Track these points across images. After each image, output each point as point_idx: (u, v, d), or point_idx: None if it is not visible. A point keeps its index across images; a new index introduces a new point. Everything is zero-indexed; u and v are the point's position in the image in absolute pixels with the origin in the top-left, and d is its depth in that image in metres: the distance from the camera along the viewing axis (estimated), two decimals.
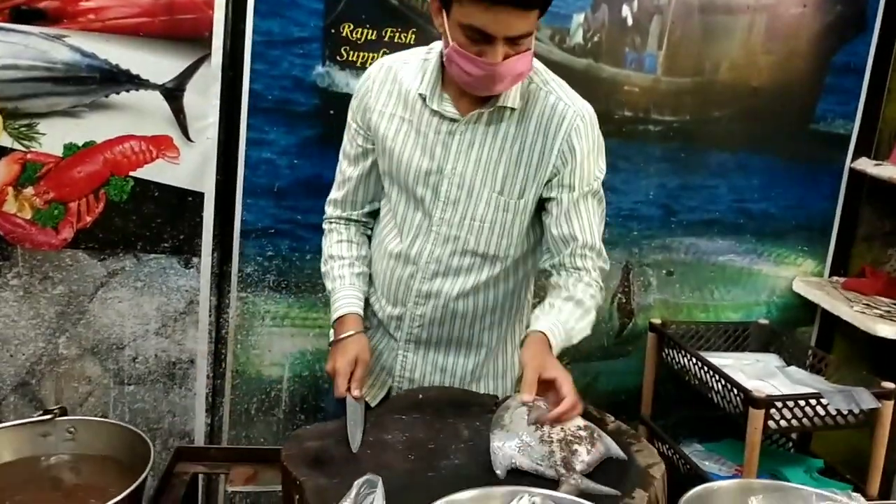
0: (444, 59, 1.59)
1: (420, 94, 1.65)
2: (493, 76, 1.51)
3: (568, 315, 1.61)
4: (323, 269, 1.82)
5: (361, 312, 1.75)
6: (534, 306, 1.74)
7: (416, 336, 1.80)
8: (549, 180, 1.66)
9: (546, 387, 1.47)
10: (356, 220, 1.83)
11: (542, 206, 1.71)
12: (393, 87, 1.69)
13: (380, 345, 1.85)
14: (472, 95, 1.61)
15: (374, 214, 1.84)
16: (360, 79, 1.76)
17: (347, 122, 1.78)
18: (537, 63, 1.66)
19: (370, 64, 1.77)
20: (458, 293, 1.75)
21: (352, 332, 1.70)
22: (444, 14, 1.52)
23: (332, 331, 1.76)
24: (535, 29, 1.51)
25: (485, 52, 1.48)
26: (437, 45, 1.67)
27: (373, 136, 1.73)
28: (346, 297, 1.75)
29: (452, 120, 1.64)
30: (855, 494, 1.35)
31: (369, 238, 1.86)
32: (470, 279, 1.74)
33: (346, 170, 1.79)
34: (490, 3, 1.42)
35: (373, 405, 1.76)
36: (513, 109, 1.63)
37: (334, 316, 1.74)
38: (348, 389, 1.62)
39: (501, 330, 1.83)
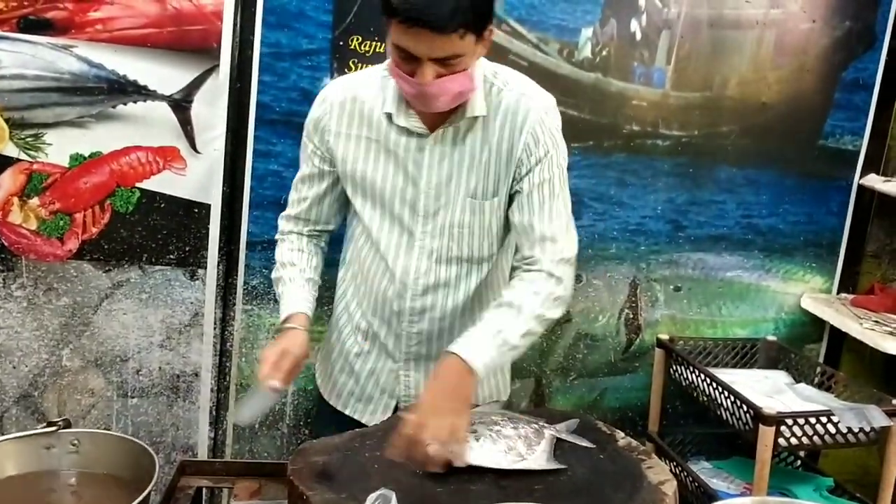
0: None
1: (386, 113, 1.65)
2: (425, 95, 1.52)
3: (497, 324, 1.57)
4: (274, 275, 1.82)
5: (309, 313, 1.73)
6: None
7: (416, 353, 1.78)
8: (517, 174, 1.66)
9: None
10: (308, 235, 1.84)
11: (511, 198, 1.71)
12: (353, 108, 1.69)
13: (376, 366, 1.82)
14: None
15: (327, 233, 1.86)
16: (316, 100, 1.75)
17: (303, 142, 1.78)
18: (496, 66, 1.67)
19: None
20: (452, 304, 1.74)
21: (287, 327, 1.68)
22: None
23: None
24: (471, 52, 1.50)
25: (415, 71, 1.49)
26: None
27: (331, 159, 1.73)
28: (293, 299, 1.74)
29: (420, 135, 1.64)
30: None
31: (323, 251, 1.86)
32: (461, 288, 1.73)
33: (302, 188, 1.81)
34: (407, 25, 1.43)
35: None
36: (479, 118, 1.63)
37: (282, 317, 1.72)
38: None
39: None
